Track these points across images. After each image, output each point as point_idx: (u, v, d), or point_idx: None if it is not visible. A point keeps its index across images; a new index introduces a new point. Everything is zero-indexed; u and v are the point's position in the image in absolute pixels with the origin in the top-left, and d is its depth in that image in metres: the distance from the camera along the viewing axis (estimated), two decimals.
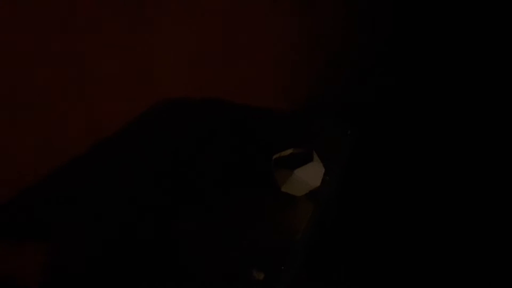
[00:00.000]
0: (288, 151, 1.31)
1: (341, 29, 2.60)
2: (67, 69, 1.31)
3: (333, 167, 1.35)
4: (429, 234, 1.84)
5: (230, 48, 2.09)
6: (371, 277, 1.65)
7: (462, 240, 1.80)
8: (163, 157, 1.54)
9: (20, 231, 1.24)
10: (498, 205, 1.90)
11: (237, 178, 1.29)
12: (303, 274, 1.42)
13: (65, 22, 1.28)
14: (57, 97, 1.31)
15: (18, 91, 1.22)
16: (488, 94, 2.18)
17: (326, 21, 2.50)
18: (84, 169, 1.41)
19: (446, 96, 2.42)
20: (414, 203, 2.07)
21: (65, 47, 1.30)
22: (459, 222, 1.89)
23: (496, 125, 2.16)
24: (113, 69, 1.45)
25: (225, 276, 0.99)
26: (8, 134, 1.23)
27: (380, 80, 2.43)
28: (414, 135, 2.42)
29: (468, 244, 1.77)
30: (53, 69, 1.28)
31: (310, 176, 1.23)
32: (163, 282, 0.99)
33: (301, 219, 1.17)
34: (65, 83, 1.32)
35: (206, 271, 1.00)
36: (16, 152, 1.26)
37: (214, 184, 1.29)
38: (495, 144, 2.13)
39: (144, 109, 1.63)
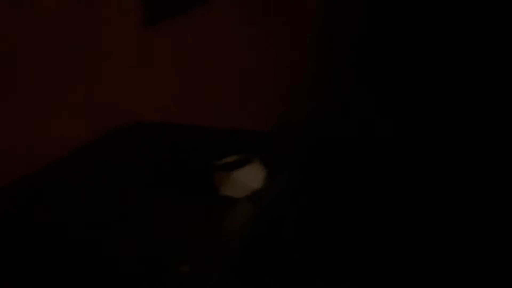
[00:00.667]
0: (231, 158, 1.30)
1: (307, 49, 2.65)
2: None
3: (280, 171, 1.34)
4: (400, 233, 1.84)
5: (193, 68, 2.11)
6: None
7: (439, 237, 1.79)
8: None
9: None
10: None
11: (176, 187, 1.27)
12: (242, 276, 1.39)
13: None
14: None
15: None
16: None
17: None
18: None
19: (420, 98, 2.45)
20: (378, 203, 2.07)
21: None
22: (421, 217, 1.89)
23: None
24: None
25: (152, 270, 0.95)
26: None
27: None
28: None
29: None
30: None
31: (249, 177, 1.22)
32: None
33: (238, 219, 1.14)
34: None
35: (134, 266, 0.97)
36: None
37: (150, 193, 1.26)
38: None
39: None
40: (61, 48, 1.47)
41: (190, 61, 2.10)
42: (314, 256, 1.74)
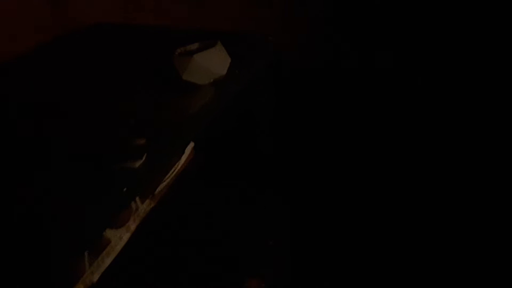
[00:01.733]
0: (195, 45, 1.25)
1: None
2: None
3: (246, 64, 1.29)
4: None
5: None
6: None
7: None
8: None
9: None
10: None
11: (136, 72, 1.23)
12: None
13: None
14: None
15: None
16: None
17: None
18: None
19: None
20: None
21: None
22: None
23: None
24: None
25: (107, 143, 0.93)
26: None
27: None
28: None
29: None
30: None
31: (213, 63, 1.17)
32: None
33: (198, 102, 1.11)
34: None
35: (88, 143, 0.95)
36: None
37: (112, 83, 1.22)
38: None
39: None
40: None
41: None
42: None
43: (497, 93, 1.87)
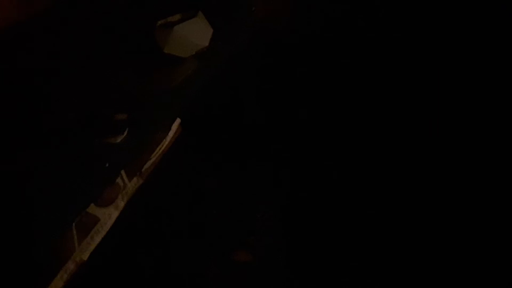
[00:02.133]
0: (176, 16, 1.22)
1: None
2: None
3: (230, 36, 1.26)
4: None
5: None
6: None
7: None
8: None
9: None
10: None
11: (117, 45, 1.20)
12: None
13: None
14: None
15: None
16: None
17: None
18: None
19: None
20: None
21: None
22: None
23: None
24: None
25: (88, 118, 0.91)
26: None
27: None
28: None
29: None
30: None
31: (194, 34, 1.14)
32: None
33: (181, 75, 1.09)
34: None
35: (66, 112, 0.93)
36: None
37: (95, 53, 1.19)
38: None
39: None
40: None
41: None
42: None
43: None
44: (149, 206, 1.30)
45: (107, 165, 0.82)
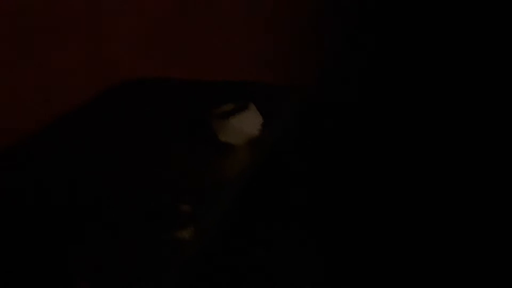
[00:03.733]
0: (229, 106, 1.32)
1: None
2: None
3: (275, 121, 1.36)
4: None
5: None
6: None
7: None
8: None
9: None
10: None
11: (174, 131, 1.30)
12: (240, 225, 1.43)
13: None
14: None
15: None
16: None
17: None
18: None
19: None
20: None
21: None
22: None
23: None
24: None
25: (149, 214, 0.99)
26: None
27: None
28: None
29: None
30: None
31: (246, 124, 1.24)
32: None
33: (236, 164, 1.17)
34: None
35: (129, 211, 1.01)
36: None
37: (153, 138, 1.29)
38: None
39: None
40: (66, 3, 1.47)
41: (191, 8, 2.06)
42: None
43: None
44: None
45: (174, 263, 0.89)
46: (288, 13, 2.50)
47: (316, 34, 2.50)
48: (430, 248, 1.65)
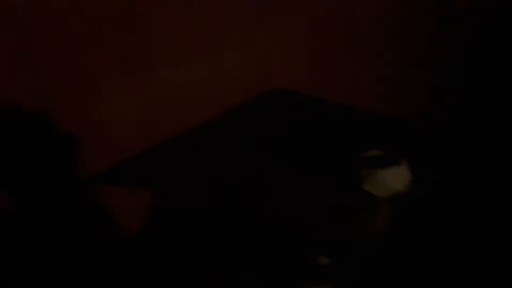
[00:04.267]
0: (376, 152, 1.27)
1: None
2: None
3: (423, 176, 1.28)
4: None
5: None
6: None
7: None
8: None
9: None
10: None
11: (313, 170, 1.28)
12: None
13: None
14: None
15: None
16: None
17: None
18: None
19: None
20: None
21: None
22: None
23: None
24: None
25: (292, 259, 0.98)
26: None
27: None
28: None
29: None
30: None
31: (394, 178, 1.18)
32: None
33: (378, 219, 1.13)
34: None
35: (272, 256, 1.01)
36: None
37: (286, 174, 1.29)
38: None
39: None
40: (215, 13, 1.50)
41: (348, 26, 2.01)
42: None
43: None
44: None
45: None
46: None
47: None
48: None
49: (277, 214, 1.14)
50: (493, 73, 2.48)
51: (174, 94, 1.43)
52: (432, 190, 1.37)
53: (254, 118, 1.59)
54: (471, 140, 2.29)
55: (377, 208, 1.16)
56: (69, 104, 1.15)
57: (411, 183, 1.22)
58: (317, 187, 1.23)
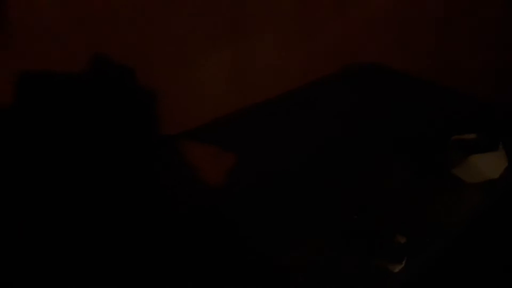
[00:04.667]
0: (471, 135, 1.21)
1: None
2: None
3: None
4: None
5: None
6: None
7: None
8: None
9: None
10: None
11: (403, 151, 1.25)
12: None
13: None
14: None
15: None
16: None
17: None
18: None
19: None
20: None
21: None
22: None
23: None
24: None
25: (370, 235, 0.98)
26: None
27: None
28: None
29: None
30: None
31: (488, 165, 1.12)
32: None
33: (463, 206, 1.08)
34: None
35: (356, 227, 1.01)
36: None
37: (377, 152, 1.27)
38: None
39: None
40: None
41: None
42: None
43: None
44: None
45: None
46: None
47: None
48: None
49: (362, 191, 1.13)
50: None
51: (266, 66, 1.44)
52: None
53: (344, 93, 1.56)
54: None
55: (464, 194, 1.12)
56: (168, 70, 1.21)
57: (506, 171, 1.15)
58: (404, 169, 1.21)
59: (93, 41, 1.04)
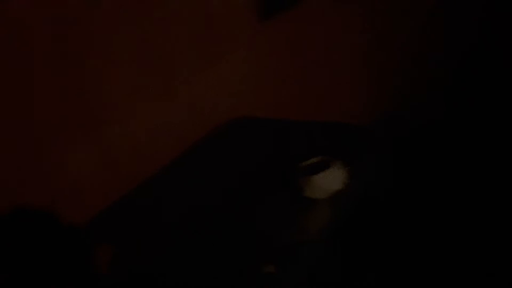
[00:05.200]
0: (316, 159, 1.40)
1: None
2: None
3: (360, 174, 1.39)
4: None
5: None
6: None
7: None
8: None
9: None
10: None
11: (260, 185, 1.41)
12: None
13: None
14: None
15: None
16: None
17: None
18: None
19: None
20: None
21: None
22: None
23: None
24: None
25: (235, 270, 1.11)
26: None
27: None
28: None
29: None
30: None
31: (329, 181, 1.31)
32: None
33: (318, 220, 1.25)
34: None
35: (216, 266, 1.15)
36: None
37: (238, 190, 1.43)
38: None
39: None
40: (175, 47, 1.57)
41: (303, 55, 2.15)
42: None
43: None
44: None
45: None
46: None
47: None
48: None
49: (238, 229, 1.27)
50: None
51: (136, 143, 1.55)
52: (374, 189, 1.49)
53: (215, 150, 1.69)
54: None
55: (318, 210, 1.29)
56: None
57: (347, 182, 1.34)
58: (268, 202, 1.37)
59: None
